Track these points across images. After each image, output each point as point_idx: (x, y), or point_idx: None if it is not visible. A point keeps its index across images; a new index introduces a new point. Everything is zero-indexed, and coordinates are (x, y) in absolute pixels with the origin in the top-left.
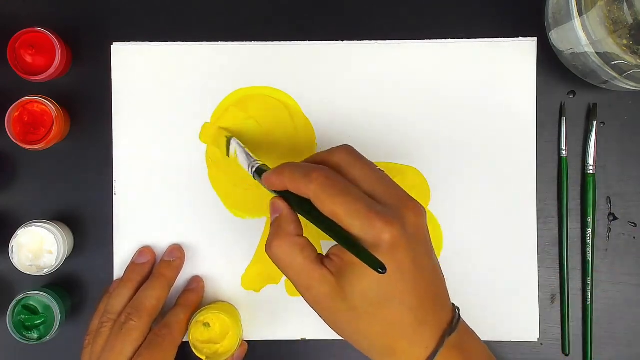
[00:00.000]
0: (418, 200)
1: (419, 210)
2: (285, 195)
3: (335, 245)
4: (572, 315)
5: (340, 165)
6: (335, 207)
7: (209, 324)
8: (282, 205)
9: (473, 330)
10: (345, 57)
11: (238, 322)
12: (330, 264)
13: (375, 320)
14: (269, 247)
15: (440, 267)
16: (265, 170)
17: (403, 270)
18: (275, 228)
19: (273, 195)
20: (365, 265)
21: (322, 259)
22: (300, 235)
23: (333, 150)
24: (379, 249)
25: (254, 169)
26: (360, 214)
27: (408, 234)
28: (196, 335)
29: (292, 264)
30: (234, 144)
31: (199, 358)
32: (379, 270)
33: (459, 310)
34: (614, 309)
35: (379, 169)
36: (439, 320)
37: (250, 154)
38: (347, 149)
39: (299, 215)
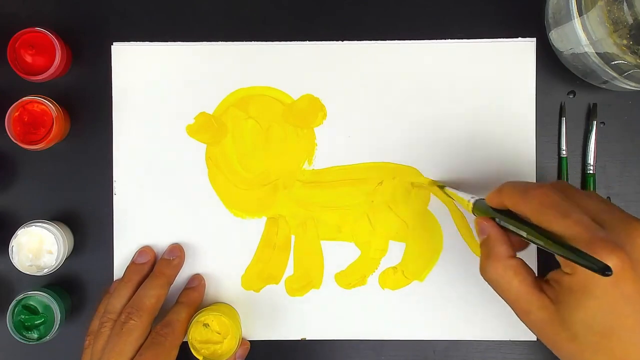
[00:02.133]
0: (417, 201)
1: None
2: (497, 214)
3: (554, 271)
4: None
5: (557, 188)
6: (554, 228)
7: (208, 325)
8: (489, 225)
9: None
10: (345, 57)
11: (238, 325)
12: (549, 290)
13: (599, 352)
14: (483, 271)
15: None
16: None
17: (629, 301)
18: (486, 250)
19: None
20: (586, 293)
21: (540, 285)
22: (513, 256)
23: (550, 183)
24: (602, 278)
25: (474, 200)
26: (580, 238)
27: (635, 261)
28: (195, 336)
29: (509, 288)
30: (449, 190)
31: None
32: (607, 273)
33: None
34: None
35: (598, 194)
36: None
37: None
38: (564, 182)
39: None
